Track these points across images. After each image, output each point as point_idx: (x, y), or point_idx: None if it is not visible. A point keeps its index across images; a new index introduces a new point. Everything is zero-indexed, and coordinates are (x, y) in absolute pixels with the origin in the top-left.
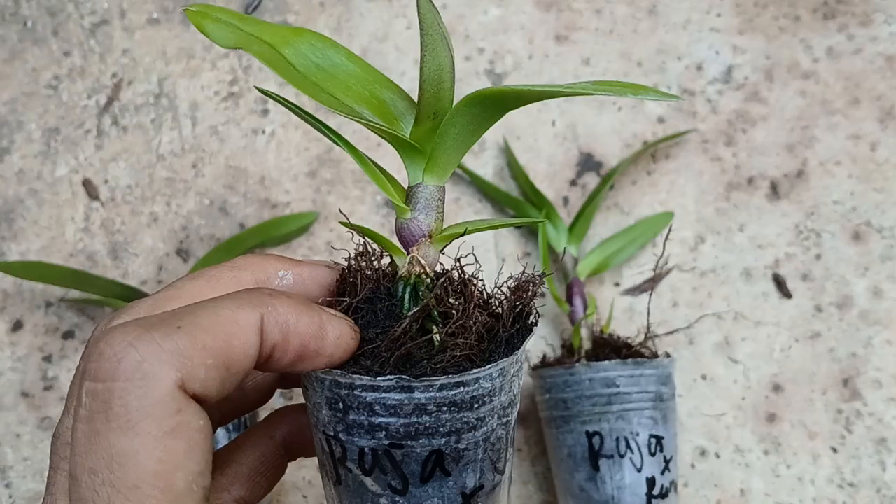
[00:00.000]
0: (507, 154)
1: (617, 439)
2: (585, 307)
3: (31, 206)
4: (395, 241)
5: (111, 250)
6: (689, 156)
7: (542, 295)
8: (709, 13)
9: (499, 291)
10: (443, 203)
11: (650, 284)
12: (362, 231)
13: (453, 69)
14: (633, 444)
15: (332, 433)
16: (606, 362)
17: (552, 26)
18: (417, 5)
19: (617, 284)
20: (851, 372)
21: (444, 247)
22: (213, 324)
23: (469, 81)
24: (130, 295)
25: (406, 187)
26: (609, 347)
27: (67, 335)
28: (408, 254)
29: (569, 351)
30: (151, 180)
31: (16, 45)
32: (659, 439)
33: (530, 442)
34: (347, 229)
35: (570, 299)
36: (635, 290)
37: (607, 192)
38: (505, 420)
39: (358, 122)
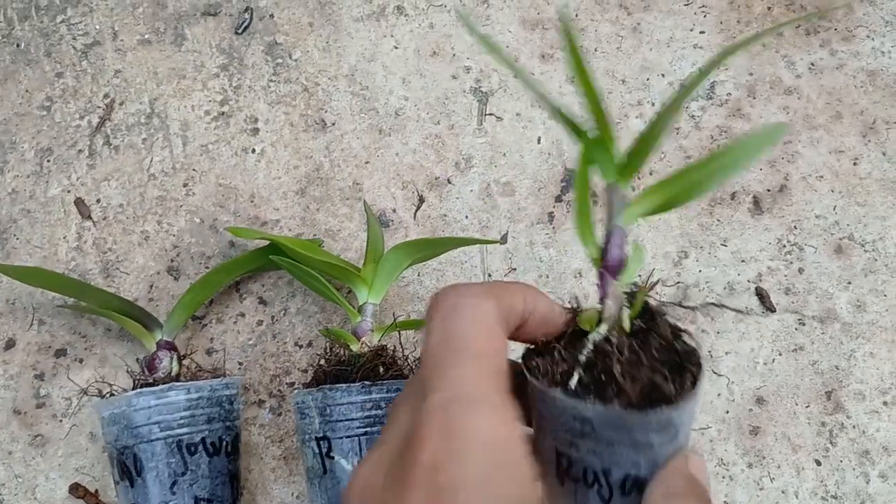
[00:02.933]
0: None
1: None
2: (620, 271)
3: (24, 226)
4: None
5: (103, 269)
6: (672, 171)
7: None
8: (692, 31)
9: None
10: (378, 311)
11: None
12: (327, 333)
13: (383, 238)
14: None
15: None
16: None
17: (537, 45)
18: (365, 209)
19: (685, 330)
20: (834, 385)
21: (382, 335)
22: (505, 288)
23: (456, 100)
24: (126, 307)
25: (358, 304)
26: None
27: (59, 353)
28: (359, 342)
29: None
30: (143, 199)
31: (9, 66)
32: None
33: None
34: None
35: (605, 254)
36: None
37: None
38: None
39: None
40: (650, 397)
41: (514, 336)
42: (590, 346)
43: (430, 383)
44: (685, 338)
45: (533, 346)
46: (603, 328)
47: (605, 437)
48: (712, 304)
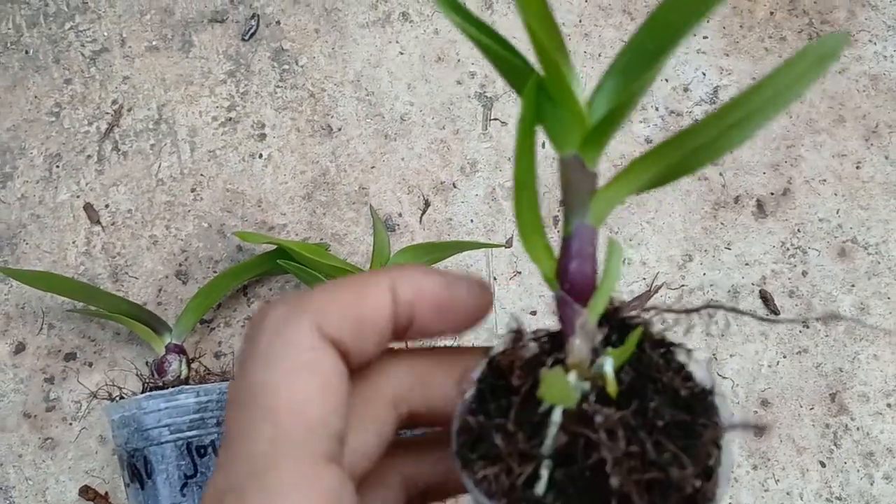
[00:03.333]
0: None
1: None
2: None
3: (34, 231)
4: None
5: (112, 273)
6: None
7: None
8: (695, 36)
9: None
10: None
11: (639, 303)
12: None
13: (389, 242)
14: None
15: None
16: None
17: None
18: (371, 213)
19: (692, 350)
20: (838, 387)
21: None
22: (344, 285)
23: (461, 105)
24: (135, 311)
25: None
26: None
27: (69, 357)
28: None
29: None
30: (151, 204)
31: (18, 72)
32: None
33: None
34: None
35: (564, 270)
36: None
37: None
38: None
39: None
40: None
41: (409, 337)
42: (555, 423)
43: (218, 460)
44: (697, 377)
45: (469, 423)
46: (572, 390)
47: None
48: (719, 305)
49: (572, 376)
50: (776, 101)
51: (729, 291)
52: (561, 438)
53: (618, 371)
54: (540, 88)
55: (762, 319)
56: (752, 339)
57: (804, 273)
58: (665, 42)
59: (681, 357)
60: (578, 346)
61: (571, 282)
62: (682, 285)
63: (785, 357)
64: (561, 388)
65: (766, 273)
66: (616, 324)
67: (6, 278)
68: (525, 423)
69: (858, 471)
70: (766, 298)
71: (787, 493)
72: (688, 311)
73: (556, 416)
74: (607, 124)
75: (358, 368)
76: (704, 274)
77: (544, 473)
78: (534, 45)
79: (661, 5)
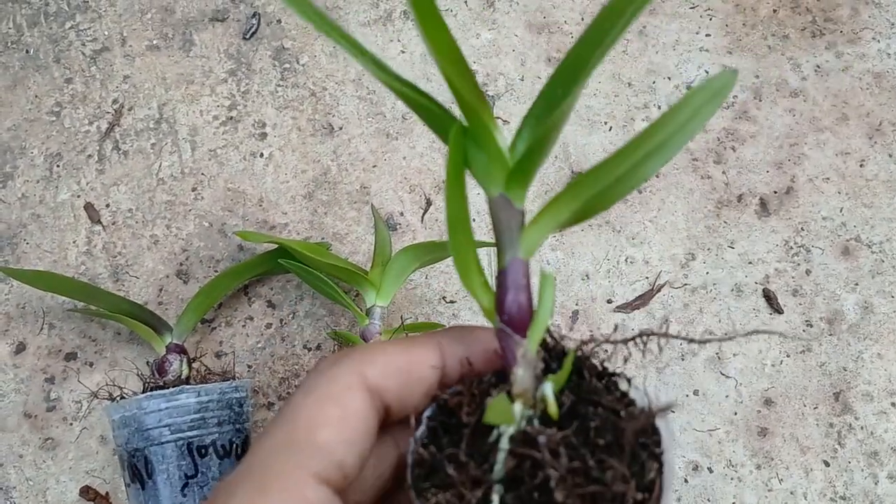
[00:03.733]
0: None
1: None
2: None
3: (34, 231)
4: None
5: (113, 273)
6: (679, 174)
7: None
8: (698, 33)
9: None
10: (386, 313)
11: (641, 301)
12: (335, 336)
13: (390, 241)
14: None
15: None
16: None
17: (543, 49)
18: (373, 212)
19: (609, 301)
20: (842, 386)
21: (390, 338)
22: (396, 343)
23: None
24: (136, 311)
25: (366, 307)
26: None
27: (70, 357)
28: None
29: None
30: (152, 204)
31: (18, 72)
32: None
33: None
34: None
35: (501, 303)
36: (627, 308)
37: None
38: None
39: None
40: None
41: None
42: (503, 449)
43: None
44: (632, 395)
45: (422, 456)
46: (517, 415)
47: None
48: (651, 333)
49: (517, 406)
50: (681, 132)
51: (732, 290)
52: (509, 462)
53: (558, 394)
54: (464, 135)
55: (693, 341)
56: (756, 339)
57: (808, 272)
58: (570, 86)
59: (622, 385)
60: (521, 376)
61: (509, 313)
62: (685, 284)
63: (788, 356)
64: (503, 411)
65: (769, 272)
66: (556, 353)
67: (6, 278)
68: (475, 453)
69: (862, 470)
70: (769, 297)
71: (791, 493)
72: (624, 341)
73: (504, 443)
74: (527, 164)
75: (403, 419)
76: (707, 273)
77: (495, 498)
78: (454, 96)
79: (567, 54)
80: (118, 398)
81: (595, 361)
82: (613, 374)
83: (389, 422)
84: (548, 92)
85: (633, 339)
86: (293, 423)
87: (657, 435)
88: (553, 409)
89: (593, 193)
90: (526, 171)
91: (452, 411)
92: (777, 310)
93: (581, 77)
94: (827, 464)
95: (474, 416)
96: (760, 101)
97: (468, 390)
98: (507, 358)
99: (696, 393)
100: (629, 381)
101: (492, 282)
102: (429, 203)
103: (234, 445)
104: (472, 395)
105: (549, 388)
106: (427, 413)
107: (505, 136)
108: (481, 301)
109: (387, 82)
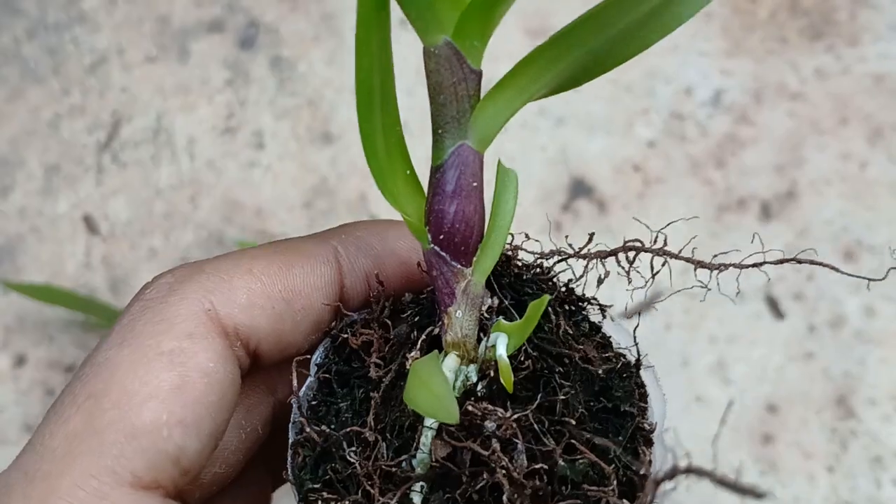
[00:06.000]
0: None
1: None
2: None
3: (33, 242)
4: None
5: (111, 285)
6: (679, 179)
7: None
8: (696, 37)
9: None
10: None
11: (642, 307)
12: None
13: None
14: None
15: None
16: None
17: None
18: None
19: (610, 306)
20: (846, 391)
21: None
22: (268, 252)
23: None
24: None
25: None
26: None
27: (70, 369)
28: None
29: None
30: (150, 215)
31: (17, 84)
32: None
33: None
34: None
35: (436, 215)
36: (627, 314)
37: None
38: None
39: None
40: None
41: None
42: (430, 427)
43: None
44: (615, 343)
45: (310, 435)
46: (452, 374)
47: None
48: (641, 248)
49: (451, 361)
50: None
51: (734, 295)
52: (439, 450)
53: (514, 353)
54: None
55: (701, 265)
56: (759, 344)
57: (810, 276)
58: None
59: (592, 317)
60: (459, 319)
61: (448, 231)
62: (687, 289)
63: (791, 361)
64: (437, 394)
65: (771, 276)
66: (512, 286)
67: (6, 291)
68: (388, 429)
69: (866, 476)
70: (771, 302)
71: (795, 499)
72: (602, 256)
73: (431, 422)
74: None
75: (282, 361)
76: (709, 278)
77: (416, 499)
78: None
79: None
80: None
81: (563, 289)
82: (582, 301)
83: (261, 366)
84: None
85: (614, 252)
86: (99, 395)
87: (645, 399)
88: (508, 378)
89: (593, 48)
90: (490, 4)
91: (355, 355)
92: (779, 315)
93: None
94: (831, 470)
95: (388, 370)
96: (760, 104)
97: (378, 322)
98: (440, 294)
99: (698, 399)
100: (604, 310)
101: (425, 183)
102: None
103: None
104: (384, 332)
105: (502, 346)
106: (317, 358)
107: None
108: (403, 208)
109: None
